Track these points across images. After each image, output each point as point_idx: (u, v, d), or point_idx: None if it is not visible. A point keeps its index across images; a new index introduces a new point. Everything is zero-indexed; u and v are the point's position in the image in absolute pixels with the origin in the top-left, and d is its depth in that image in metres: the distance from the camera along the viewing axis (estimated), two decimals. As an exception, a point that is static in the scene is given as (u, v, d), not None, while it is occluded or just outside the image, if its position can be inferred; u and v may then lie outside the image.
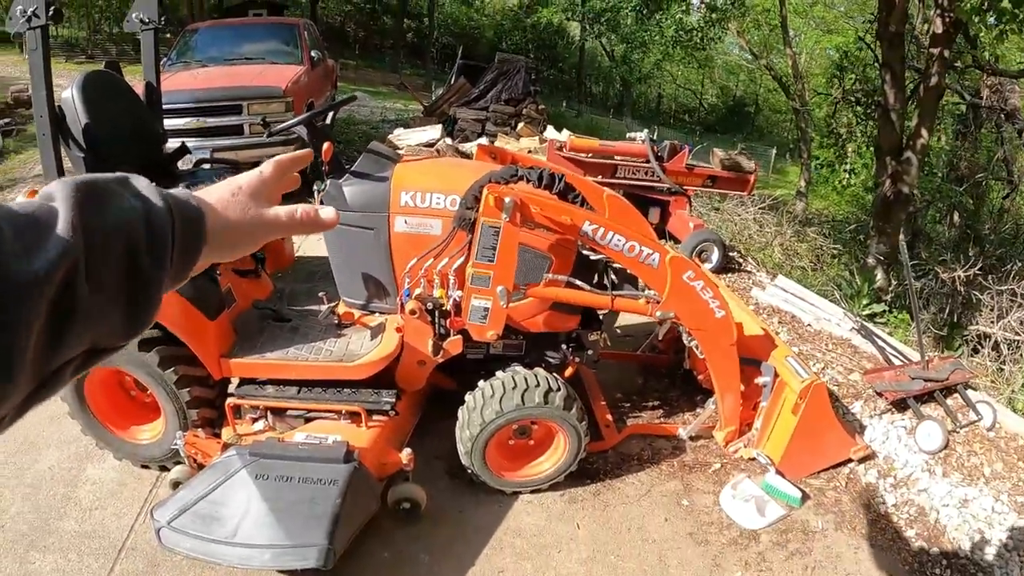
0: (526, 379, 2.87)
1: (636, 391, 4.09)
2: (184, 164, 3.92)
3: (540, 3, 21.52)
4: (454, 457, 3.14)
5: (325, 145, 2.92)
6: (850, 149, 13.94)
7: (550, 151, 6.29)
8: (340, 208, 2.93)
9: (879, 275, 8.49)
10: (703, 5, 13.94)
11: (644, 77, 22.10)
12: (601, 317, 3.33)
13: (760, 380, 3.22)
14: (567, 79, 24.90)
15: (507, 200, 2.52)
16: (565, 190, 2.77)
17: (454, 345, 2.95)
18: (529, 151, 7.92)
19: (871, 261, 9.01)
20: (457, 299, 2.82)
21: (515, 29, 25.74)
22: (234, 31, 8.54)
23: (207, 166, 3.91)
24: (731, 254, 6.31)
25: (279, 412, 3.07)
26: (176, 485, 2.95)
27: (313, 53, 8.14)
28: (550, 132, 8.97)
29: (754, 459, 3.35)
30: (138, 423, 3.30)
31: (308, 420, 3.06)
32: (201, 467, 2.82)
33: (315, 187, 3.03)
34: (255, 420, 3.11)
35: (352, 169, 2.97)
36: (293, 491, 2.49)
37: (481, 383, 2.97)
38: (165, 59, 7.99)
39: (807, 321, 4.87)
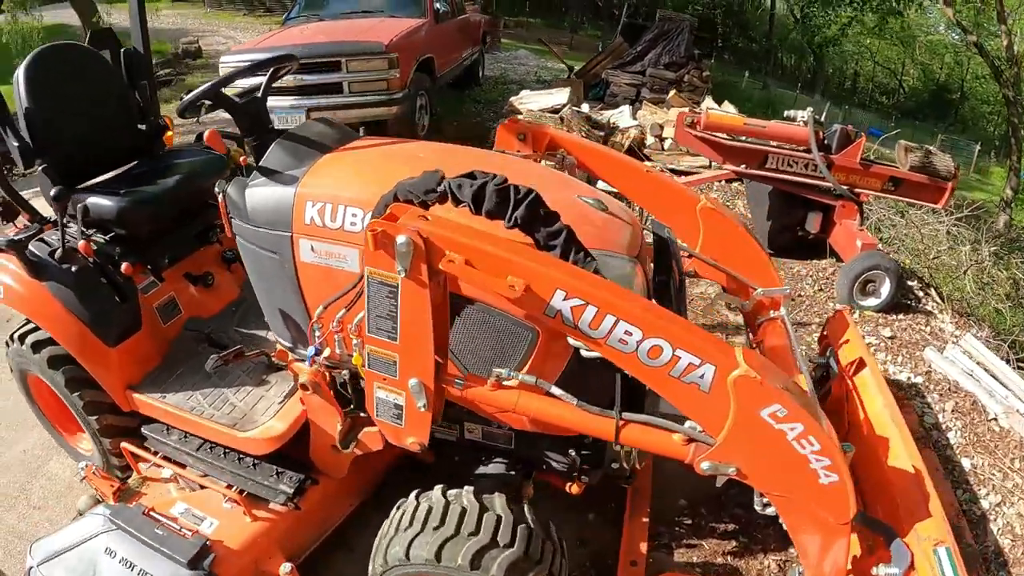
0: (461, 518, 1.65)
1: (714, 495, 2.55)
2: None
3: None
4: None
5: (207, 132, 1.93)
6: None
7: (679, 127, 4.74)
8: (241, 220, 1.93)
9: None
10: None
11: (828, 42, 18.25)
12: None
13: (882, 571, 1.71)
14: (756, 49, 21.24)
15: (400, 240, 1.27)
16: (529, 220, 1.43)
17: (373, 439, 1.79)
18: (662, 125, 6.32)
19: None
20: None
21: (702, -8, 22.50)
22: (359, -18, 7.67)
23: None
24: (910, 282, 4.46)
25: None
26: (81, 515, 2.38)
27: (438, 5, 7.03)
28: (708, 103, 7.21)
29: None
30: (81, 430, 2.76)
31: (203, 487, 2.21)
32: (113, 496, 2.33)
33: (216, 188, 1.96)
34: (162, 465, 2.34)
35: (260, 164, 1.89)
36: None
37: (412, 498, 1.80)
38: (288, 12, 7.61)
39: (993, 412, 3.10)
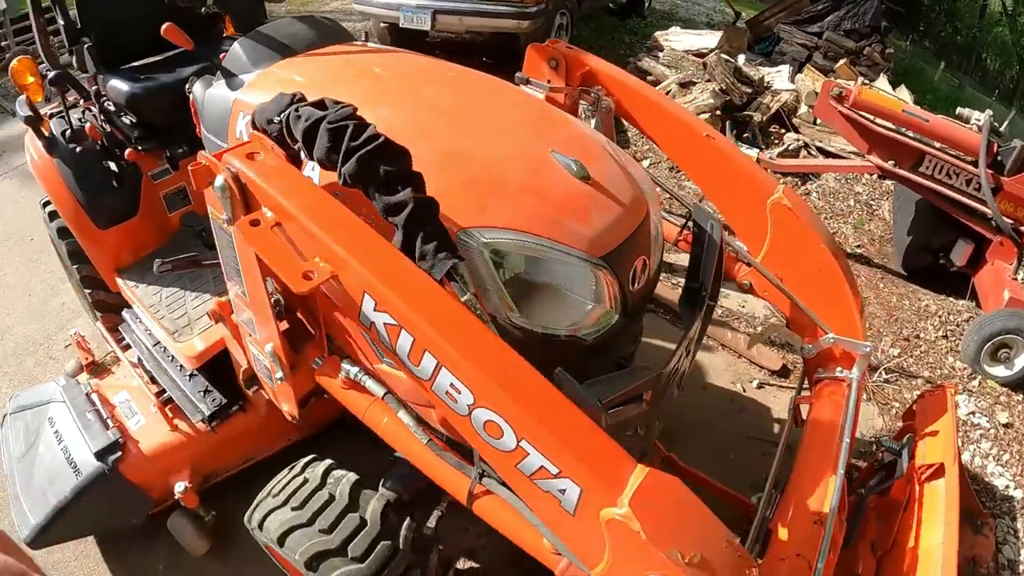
0: (321, 509, 1.41)
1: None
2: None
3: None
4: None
5: (164, 26, 1.74)
6: None
7: (822, 97, 3.95)
8: (201, 123, 1.78)
9: None
10: None
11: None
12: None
13: None
14: (960, 41, 17.33)
15: (216, 182, 0.99)
16: (361, 177, 1.02)
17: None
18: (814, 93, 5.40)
19: None
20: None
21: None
22: None
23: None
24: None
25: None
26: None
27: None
28: (881, 83, 6.13)
29: None
30: None
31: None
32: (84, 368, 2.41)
33: (187, 86, 1.79)
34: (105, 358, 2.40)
35: (221, 63, 1.69)
36: (52, 453, 1.97)
37: (300, 465, 1.59)
38: None
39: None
